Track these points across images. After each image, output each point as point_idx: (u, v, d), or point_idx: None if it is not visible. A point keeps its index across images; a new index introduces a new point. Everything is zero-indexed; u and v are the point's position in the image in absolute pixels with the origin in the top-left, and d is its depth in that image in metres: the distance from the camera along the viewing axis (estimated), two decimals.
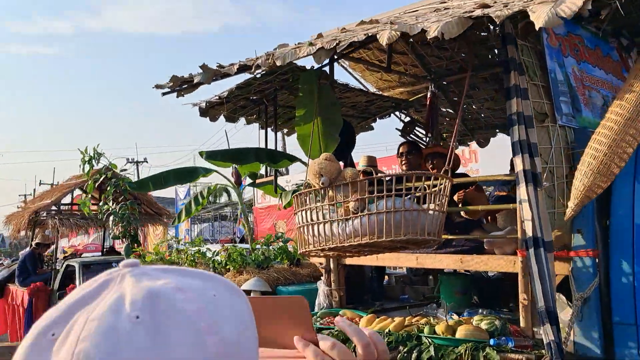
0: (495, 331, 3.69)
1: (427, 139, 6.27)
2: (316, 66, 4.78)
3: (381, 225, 3.20)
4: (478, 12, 3.08)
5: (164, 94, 4.84)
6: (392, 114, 6.92)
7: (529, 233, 3.44)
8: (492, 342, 3.55)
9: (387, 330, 4.01)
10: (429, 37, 3.10)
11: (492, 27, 5.47)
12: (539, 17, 2.74)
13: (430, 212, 3.32)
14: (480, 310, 4.42)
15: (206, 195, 7.86)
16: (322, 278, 5.09)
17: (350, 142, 5.06)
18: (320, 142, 4.78)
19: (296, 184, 8.78)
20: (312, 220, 3.46)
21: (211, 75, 4.26)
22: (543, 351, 3.41)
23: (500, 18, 2.96)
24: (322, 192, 3.43)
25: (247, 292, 5.42)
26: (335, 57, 5.30)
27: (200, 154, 5.04)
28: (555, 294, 3.40)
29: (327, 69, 5.08)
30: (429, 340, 3.81)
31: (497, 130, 7.16)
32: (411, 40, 6.01)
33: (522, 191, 3.50)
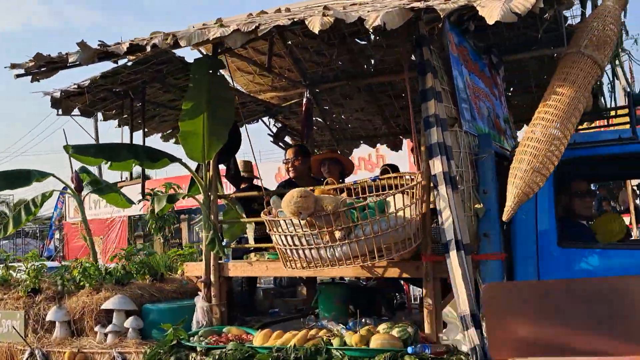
0: (409, 339, 3.57)
1: None
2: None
3: (372, 248, 3.37)
4: (419, 4, 2.96)
5: (17, 75, 4.02)
6: (260, 119, 6.62)
7: (450, 236, 3.38)
8: (409, 350, 3.42)
9: (291, 345, 3.69)
10: (368, 26, 2.90)
11: (372, 35, 5.51)
12: (492, 12, 2.69)
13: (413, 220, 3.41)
14: (364, 320, 4.28)
15: (39, 203, 6.79)
16: (201, 293, 4.58)
17: (236, 143, 4.66)
18: (204, 140, 4.31)
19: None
20: (295, 244, 3.50)
21: (92, 55, 3.59)
22: (462, 357, 3.36)
23: (445, 11, 2.87)
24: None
25: (110, 312, 4.68)
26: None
27: (65, 148, 4.26)
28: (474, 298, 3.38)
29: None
30: (341, 352, 3.57)
31: (361, 142, 7.23)
32: (290, 42, 5.83)
33: (441, 193, 3.44)
